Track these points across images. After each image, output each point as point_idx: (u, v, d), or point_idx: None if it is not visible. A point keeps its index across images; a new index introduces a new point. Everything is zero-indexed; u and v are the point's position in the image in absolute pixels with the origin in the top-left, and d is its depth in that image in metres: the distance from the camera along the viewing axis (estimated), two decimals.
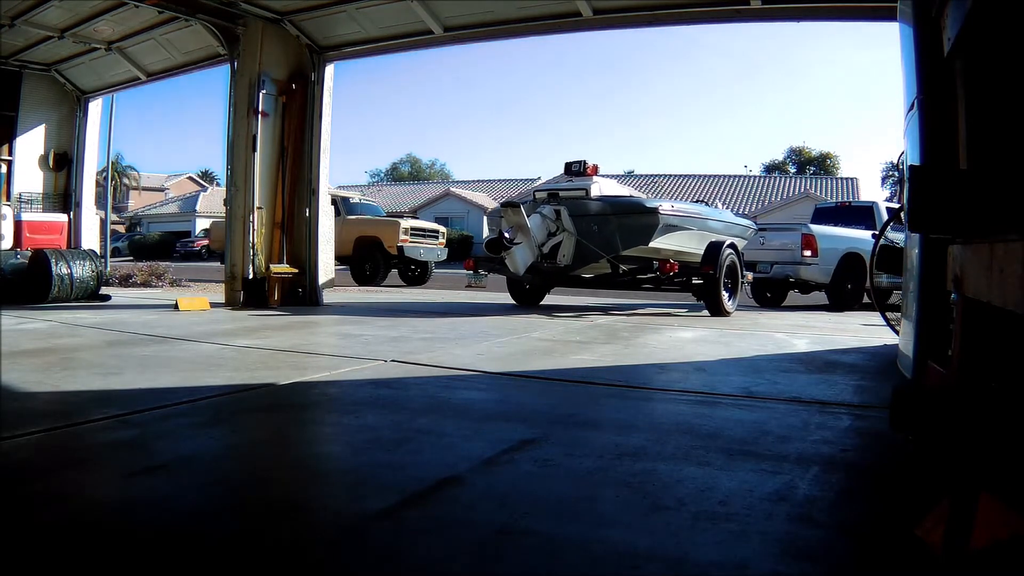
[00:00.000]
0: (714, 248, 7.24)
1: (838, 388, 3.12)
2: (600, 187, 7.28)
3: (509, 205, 6.62)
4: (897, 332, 4.10)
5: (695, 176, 37.36)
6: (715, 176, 37.41)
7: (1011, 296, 1.11)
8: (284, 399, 2.80)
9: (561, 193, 7.24)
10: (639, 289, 7.57)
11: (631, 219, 6.85)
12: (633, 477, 1.79)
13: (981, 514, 1.21)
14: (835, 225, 9.88)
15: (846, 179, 35.90)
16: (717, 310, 7.13)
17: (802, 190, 32.45)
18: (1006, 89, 1.61)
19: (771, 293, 10.23)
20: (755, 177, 39.07)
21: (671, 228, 7.00)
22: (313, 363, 3.50)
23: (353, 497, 1.70)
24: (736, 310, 7.47)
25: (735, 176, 38.13)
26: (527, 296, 8.18)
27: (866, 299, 9.92)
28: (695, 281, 7.23)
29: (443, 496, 1.67)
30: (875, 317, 6.03)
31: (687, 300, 8.97)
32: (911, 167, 2.09)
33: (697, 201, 9.07)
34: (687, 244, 7.32)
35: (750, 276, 8.18)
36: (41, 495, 1.61)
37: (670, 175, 37.64)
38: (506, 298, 8.49)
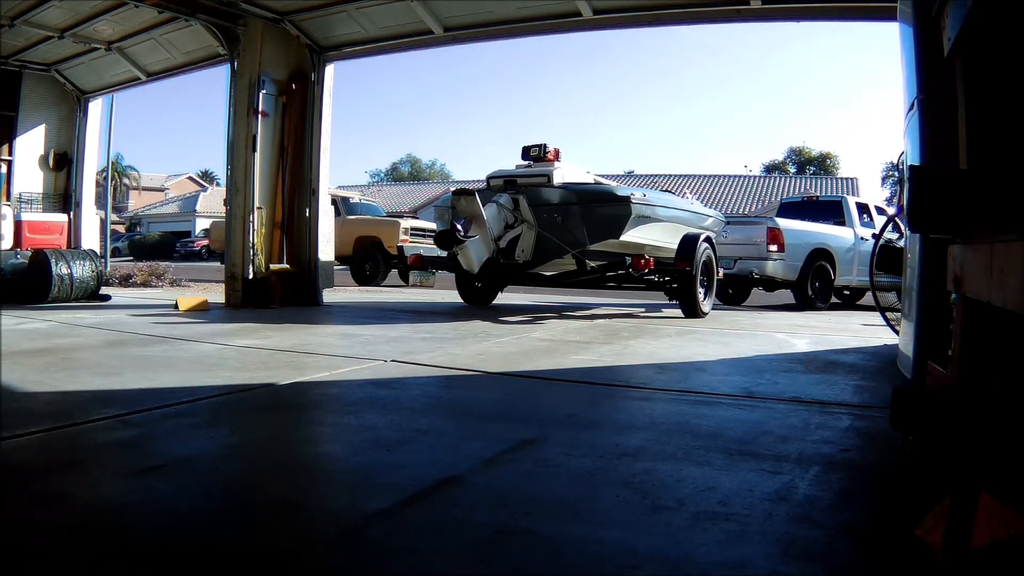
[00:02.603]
0: (689, 242, 6.53)
1: (838, 388, 3.12)
2: (563, 173, 6.46)
3: (462, 193, 5.83)
4: (897, 332, 4.10)
5: (695, 176, 37.35)
6: (715, 176, 37.41)
7: (1011, 296, 1.11)
8: (284, 399, 2.80)
9: (520, 180, 6.37)
10: (603, 287, 6.96)
11: (600, 209, 6.08)
12: (633, 477, 1.79)
13: (981, 514, 1.21)
14: (802, 220, 9.46)
15: (846, 179, 35.89)
16: (692, 311, 6.51)
17: (802, 190, 32.45)
18: (1006, 89, 1.61)
19: (732, 290, 9.66)
20: (755, 177, 39.07)
21: (644, 219, 6.28)
22: (313, 363, 3.50)
23: (353, 497, 1.70)
24: (711, 310, 6.97)
25: (735, 176, 38.13)
26: (478, 295, 7.59)
27: (835, 298, 9.77)
28: (667, 278, 6.60)
29: (443, 496, 1.67)
30: (875, 317, 6.03)
31: (648, 299, 8.58)
32: (911, 167, 2.09)
33: (664, 191, 8.35)
34: (661, 237, 6.65)
35: (722, 273, 7.54)
36: (41, 495, 1.61)
37: (670, 175, 37.63)
38: (506, 298, 8.47)
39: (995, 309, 1.24)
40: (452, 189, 6.40)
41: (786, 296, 9.69)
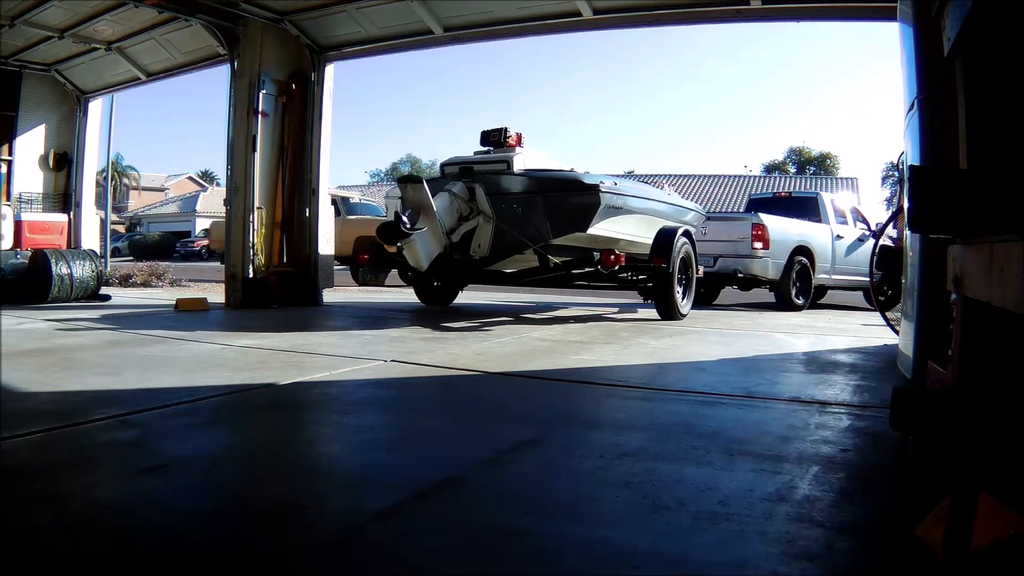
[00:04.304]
0: (666, 236, 6.02)
1: (838, 388, 3.12)
2: (525, 160, 5.84)
3: (408, 180, 5.28)
4: (897, 332, 4.10)
5: (695, 176, 37.37)
6: (715, 176, 37.42)
7: (1011, 296, 1.11)
8: (284, 399, 2.80)
9: (476, 167, 5.80)
10: (571, 286, 6.49)
11: (564, 199, 5.52)
12: (633, 477, 1.79)
13: (981, 514, 1.21)
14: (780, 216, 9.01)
15: (846, 179, 35.90)
16: (669, 312, 6.07)
17: (803, 190, 32.37)
18: (1006, 89, 1.61)
19: (704, 289, 9.02)
20: (755, 177, 39.06)
21: (614, 211, 5.73)
22: (313, 363, 3.50)
23: (353, 497, 1.70)
24: (691, 310, 6.55)
25: (735, 176, 38.14)
26: (435, 295, 7.13)
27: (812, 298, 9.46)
28: (642, 276, 6.07)
29: (443, 496, 1.68)
30: (875, 317, 6.03)
31: (630, 299, 8.13)
32: (911, 167, 2.09)
33: (643, 182, 7.85)
34: (635, 231, 6.14)
35: (702, 270, 7.03)
36: (41, 495, 1.61)
37: (670, 175, 37.63)
38: (506, 298, 8.47)
39: (995, 309, 1.24)
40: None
41: (761, 295, 9.42)
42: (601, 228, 5.68)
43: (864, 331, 5.76)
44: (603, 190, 5.51)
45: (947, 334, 1.87)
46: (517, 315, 6.46)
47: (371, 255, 6.30)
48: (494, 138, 5.97)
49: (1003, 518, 1.18)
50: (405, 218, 5.01)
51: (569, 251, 5.80)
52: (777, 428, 2.35)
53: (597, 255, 5.58)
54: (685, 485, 1.74)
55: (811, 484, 1.76)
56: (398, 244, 5.14)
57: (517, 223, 5.53)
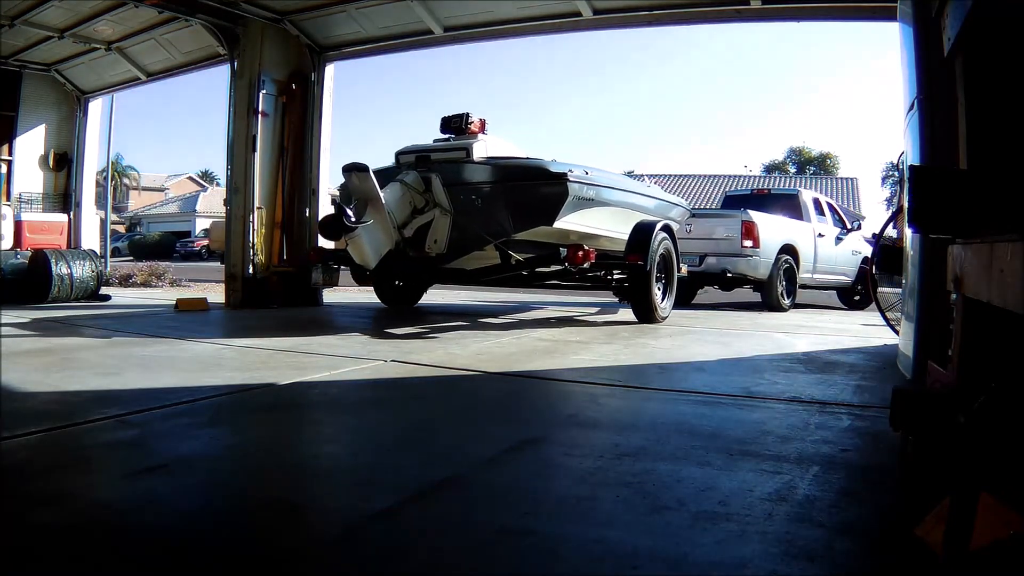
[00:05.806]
0: (643, 231, 5.56)
1: (838, 388, 3.12)
2: (487, 147, 5.34)
3: (353, 169, 4.69)
4: (897, 332, 4.10)
5: (695, 176, 37.35)
6: (715, 176, 37.39)
7: (1011, 296, 1.11)
8: (284, 399, 2.80)
9: (433, 155, 5.32)
10: (543, 286, 6.10)
11: (528, 189, 5.05)
12: (633, 477, 1.79)
13: (981, 514, 1.21)
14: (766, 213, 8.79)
15: (846, 179, 35.90)
16: (646, 314, 5.62)
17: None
18: (1006, 89, 1.61)
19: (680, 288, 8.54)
20: (755, 177, 39.03)
21: (585, 202, 5.25)
22: (313, 363, 3.50)
23: (353, 497, 1.70)
24: (672, 311, 6.12)
25: (735, 176, 38.12)
26: (397, 295, 6.75)
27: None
28: (617, 275, 5.67)
29: (443, 496, 1.68)
30: (875, 317, 6.03)
31: (607, 299, 7.83)
32: (911, 167, 2.09)
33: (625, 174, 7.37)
34: (611, 226, 5.70)
35: (685, 269, 6.63)
36: (41, 495, 1.61)
37: (670, 175, 37.64)
38: (503, 298, 8.47)
39: (995, 309, 1.24)
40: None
41: (742, 295, 9.28)
42: (570, 222, 5.22)
43: (864, 331, 5.75)
44: (571, 179, 5.04)
45: (947, 334, 1.87)
46: (507, 315, 6.46)
47: (319, 252, 5.86)
48: (455, 124, 5.47)
49: (1003, 518, 1.18)
50: (349, 211, 4.52)
51: (535, 247, 5.35)
52: (777, 428, 2.34)
53: (564, 251, 5.11)
54: (685, 485, 1.74)
55: (811, 484, 1.76)
56: (343, 238, 4.61)
57: (477, 216, 5.07)
